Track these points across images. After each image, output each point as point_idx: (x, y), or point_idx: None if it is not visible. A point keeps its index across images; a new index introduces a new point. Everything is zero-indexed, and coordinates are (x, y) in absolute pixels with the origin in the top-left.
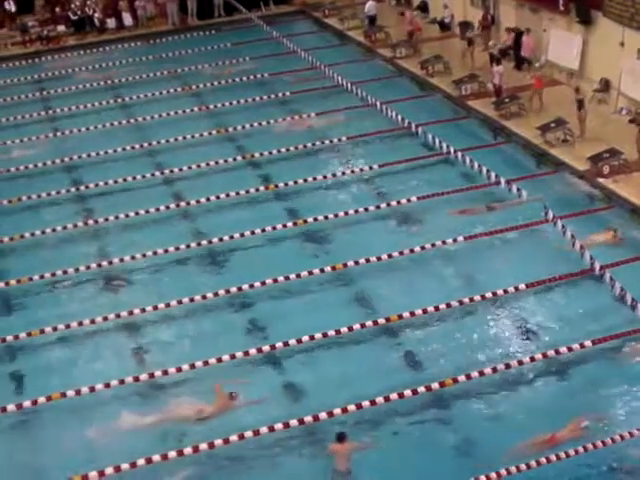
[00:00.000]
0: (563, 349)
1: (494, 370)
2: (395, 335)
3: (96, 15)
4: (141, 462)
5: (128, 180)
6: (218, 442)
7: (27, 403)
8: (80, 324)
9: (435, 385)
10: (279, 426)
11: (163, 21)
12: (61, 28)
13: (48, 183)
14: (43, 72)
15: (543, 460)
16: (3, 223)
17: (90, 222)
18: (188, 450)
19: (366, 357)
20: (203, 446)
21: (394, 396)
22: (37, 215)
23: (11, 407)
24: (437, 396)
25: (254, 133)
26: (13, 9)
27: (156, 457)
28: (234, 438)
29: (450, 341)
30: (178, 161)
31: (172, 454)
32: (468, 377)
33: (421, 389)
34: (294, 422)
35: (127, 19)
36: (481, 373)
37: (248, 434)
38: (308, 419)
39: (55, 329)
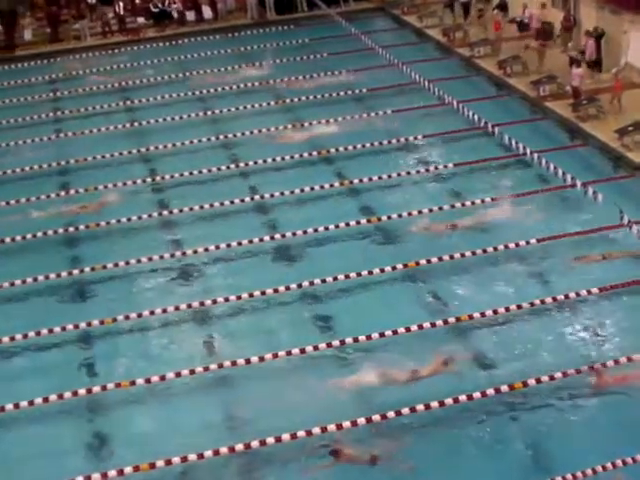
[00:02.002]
0: (636, 356)
1: (564, 374)
2: (465, 335)
3: (176, 7)
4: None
5: (203, 172)
6: None
7: (97, 389)
8: (152, 313)
9: (504, 387)
10: (347, 424)
11: (242, 15)
12: (141, 20)
13: (125, 173)
14: (122, 63)
15: None
16: (83, 211)
17: (165, 212)
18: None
19: (435, 356)
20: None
21: (463, 397)
22: (113, 203)
23: (82, 392)
24: (507, 399)
25: (330, 127)
26: (94, 0)
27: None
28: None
29: (520, 343)
30: (254, 154)
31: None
32: (538, 381)
33: (490, 391)
34: (361, 420)
35: (207, 12)
36: (551, 377)
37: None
38: (376, 417)
39: (127, 317)
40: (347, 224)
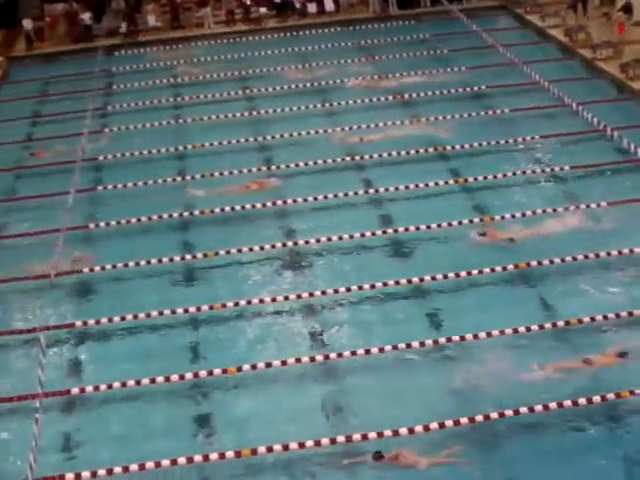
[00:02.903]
0: None
1: None
2: (573, 340)
3: None
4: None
5: (319, 163)
6: None
7: (203, 373)
8: (261, 301)
9: (610, 395)
10: (449, 423)
11: (364, 8)
12: (263, 10)
13: (241, 161)
14: (243, 52)
15: None
16: (198, 198)
17: (279, 202)
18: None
19: (541, 359)
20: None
21: (567, 403)
22: (228, 191)
23: (189, 375)
24: (612, 407)
25: (446, 124)
26: None
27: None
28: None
29: (631, 351)
30: (369, 148)
31: None
32: None
33: (596, 398)
34: (464, 420)
35: (328, 4)
36: None
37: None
38: (479, 418)
39: (237, 304)
40: (460, 222)
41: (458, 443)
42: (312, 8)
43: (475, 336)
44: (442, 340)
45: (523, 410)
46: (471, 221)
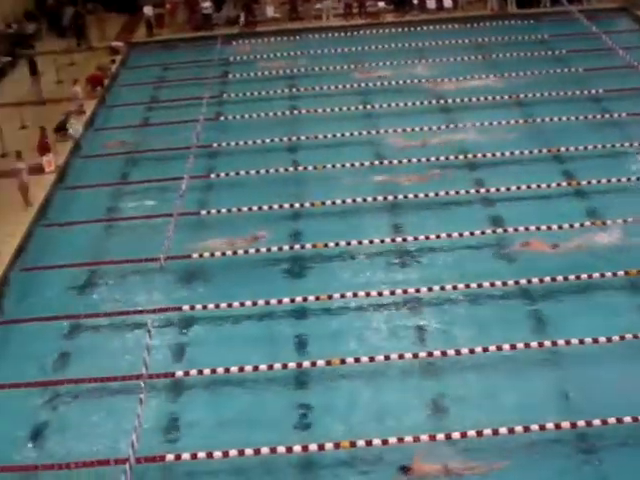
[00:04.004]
0: None
1: None
2: None
3: None
4: None
5: (431, 160)
6: None
7: (307, 364)
8: (368, 295)
9: None
10: (550, 426)
11: (482, 6)
12: (382, 4)
13: (352, 155)
14: (360, 45)
15: None
16: (304, 189)
17: (389, 197)
18: None
19: None
20: None
21: None
22: (340, 184)
23: (292, 365)
24: None
25: (561, 126)
26: None
27: None
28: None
29: None
30: (483, 147)
31: None
32: None
33: None
34: (565, 424)
35: (447, 1)
36: None
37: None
38: (580, 423)
39: (343, 296)
40: (571, 225)
41: (558, 447)
42: (431, 4)
43: (581, 341)
44: (547, 343)
45: (627, 419)
46: (582, 225)
